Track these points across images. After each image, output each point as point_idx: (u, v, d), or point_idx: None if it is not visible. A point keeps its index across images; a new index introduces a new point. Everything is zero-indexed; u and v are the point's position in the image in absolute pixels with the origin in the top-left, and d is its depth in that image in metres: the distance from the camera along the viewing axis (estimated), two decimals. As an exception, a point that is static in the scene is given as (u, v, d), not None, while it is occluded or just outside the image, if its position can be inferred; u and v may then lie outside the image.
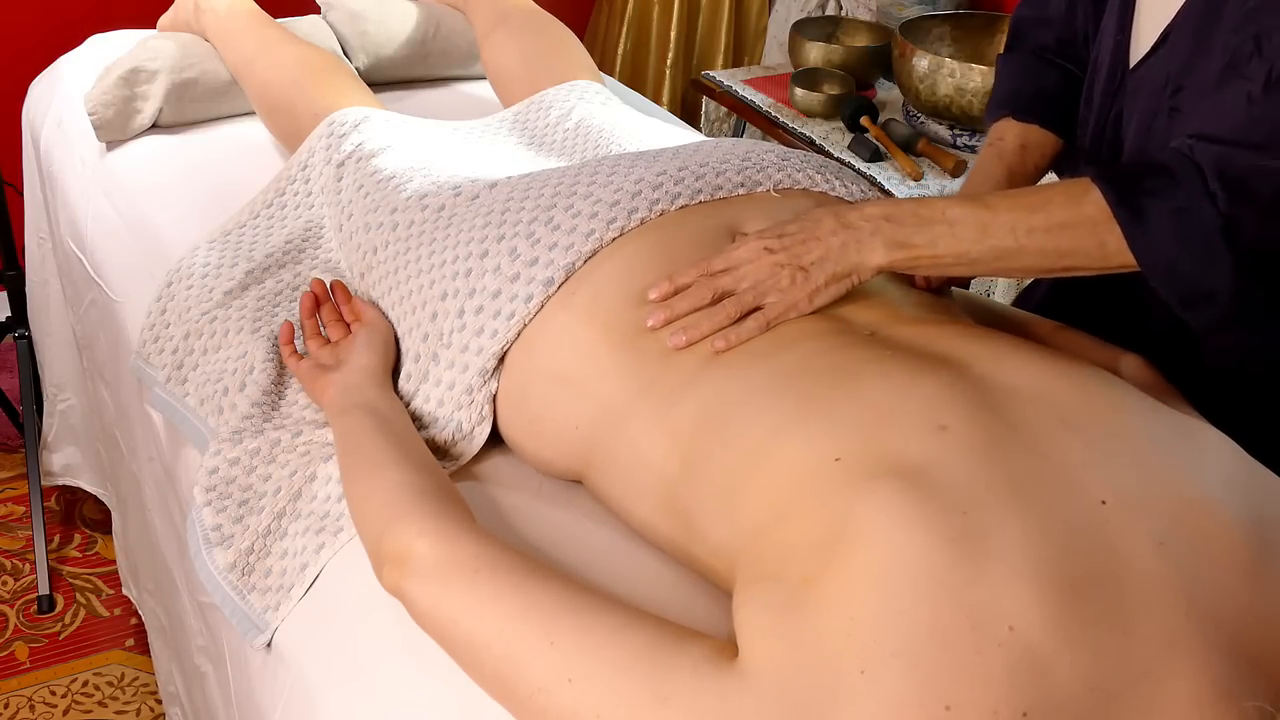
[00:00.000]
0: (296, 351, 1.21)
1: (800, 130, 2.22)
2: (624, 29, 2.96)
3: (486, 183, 1.21)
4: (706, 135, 2.10)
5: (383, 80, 1.91)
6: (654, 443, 0.94)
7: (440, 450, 1.08)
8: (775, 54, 2.94)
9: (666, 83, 3.00)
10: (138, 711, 1.82)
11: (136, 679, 1.88)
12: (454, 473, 1.07)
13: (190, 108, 1.75)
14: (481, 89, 1.96)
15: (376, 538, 0.91)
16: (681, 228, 1.09)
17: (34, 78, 2.01)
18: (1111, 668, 0.68)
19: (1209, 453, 0.83)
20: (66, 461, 2.04)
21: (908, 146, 2.11)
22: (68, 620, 1.98)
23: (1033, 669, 0.67)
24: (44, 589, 2.01)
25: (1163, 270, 0.93)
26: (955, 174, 2.04)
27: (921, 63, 2.08)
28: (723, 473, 0.87)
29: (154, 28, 1.94)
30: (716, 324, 0.97)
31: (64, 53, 1.99)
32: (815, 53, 2.37)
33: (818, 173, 1.21)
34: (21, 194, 2.04)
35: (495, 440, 1.10)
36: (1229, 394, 1.04)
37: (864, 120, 2.15)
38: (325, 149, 1.44)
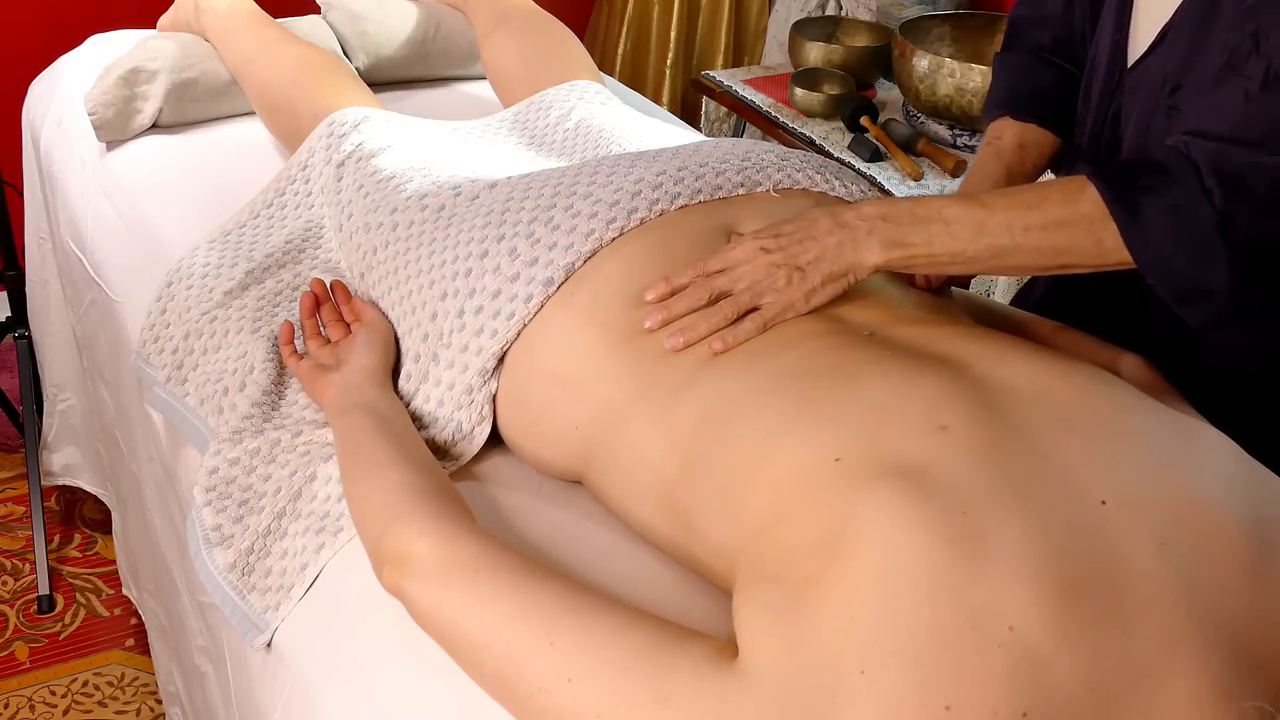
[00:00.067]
0: (296, 351, 1.21)
1: (800, 130, 2.22)
2: (624, 29, 2.96)
3: (486, 183, 1.21)
4: (706, 135, 2.10)
5: (383, 80, 1.91)
6: (653, 443, 0.94)
7: (440, 450, 1.08)
8: (775, 54, 2.94)
9: (666, 83, 3.00)
10: (138, 711, 1.82)
11: (136, 679, 1.88)
12: (454, 473, 1.07)
13: (190, 108, 1.75)
14: (481, 89, 1.96)
15: (376, 538, 0.91)
16: (681, 228, 1.09)
17: (34, 78, 2.01)
18: (1111, 668, 0.68)
19: (1209, 453, 0.83)
20: (66, 461, 2.04)
21: (908, 146, 2.11)
22: (68, 620, 1.98)
23: (1033, 669, 0.67)
24: (44, 589, 2.01)
25: (1159, 267, 0.94)
26: (955, 174, 2.04)
27: (921, 63, 2.08)
28: (723, 473, 0.87)
29: (154, 28, 1.94)
30: (713, 325, 0.97)
31: (64, 53, 1.99)
32: (815, 53, 2.37)
33: (817, 173, 1.21)
34: (21, 194, 2.04)
35: (495, 440, 1.10)
36: (1228, 394, 1.04)
37: (864, 120, 2.16)
38: (325, 149, 1.44)
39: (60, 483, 2.09)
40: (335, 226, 1.37)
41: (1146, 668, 0.69)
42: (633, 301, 1.03)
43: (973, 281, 1.83)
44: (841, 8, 2.74)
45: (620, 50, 2.97)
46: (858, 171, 1.98)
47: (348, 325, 1.22)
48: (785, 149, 1.25)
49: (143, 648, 1.91)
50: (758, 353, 0.95)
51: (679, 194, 1.12)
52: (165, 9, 1.93)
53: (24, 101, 2.00)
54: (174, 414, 1.25)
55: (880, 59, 2.35)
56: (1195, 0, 1.00)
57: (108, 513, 1.90)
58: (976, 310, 1.17)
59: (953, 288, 1.19)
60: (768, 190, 1.17)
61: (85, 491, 2.05)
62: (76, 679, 1.87)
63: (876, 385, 0.86)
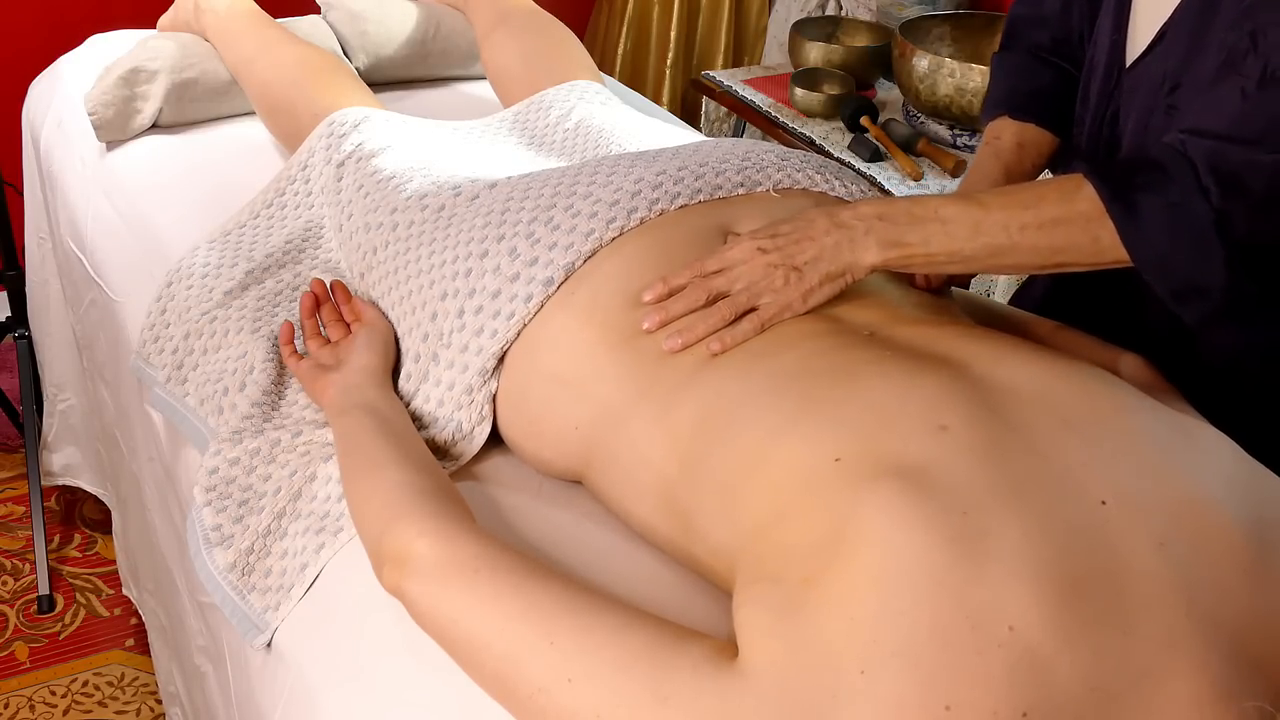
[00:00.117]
0: (296, 351, 1.21)
1: (800, 130, 2.22)
2: (624, 29, 2.96)
3: (486, 183, 1.21)
4: (706, 135, 2.10)
5: (383, 80, 1.91)
6: (653, 443, 0.94)
7: (440, 450, 1.08)
8: (775, 54, 2.94)
9: (666, 83, 3.00)
10: (138, 711, 1.82)
11: (136, 679, 1.88)
12: (454, 473, 1.07)
13: (190, 108, 1.75)
14: (481, 89, 1.96)
15: (376, 538, 0.91)
16: (681, 228, 1.09)
17: (34, 78, 2.01)
18: (1111, 668, 0.68)
19: (1209, 453, 0.83)
20: (66, 461, 2.04)
21: (908, 146, 2.11)
22: (68, 620, 1.98)
23: (1033, 669, 0.67)
24: (44, 589, 2.01)
25: (1155, 265, 0.94)
26: (955, 174, 2.04)
27: (921, 63, 2.08)
28: (723, 473, 0.87)
29: (154, 28, 1.94)
30: (711, 326, 0.97)
31: (64, 53, 1.99)
32: (815, 53, 2.37)
33: (817, 173, 1.21)
34: (21, 194, 2.04)
35: (495, 440, 1.10)
36: (1227, 393, 1.04)
37: (864, 120, 2.16)
38: (325, 149, 1.44)
39: (60, 483, 2.09)
40: (335, 226, 1.38)
41: (1146, 668, 0.69)
42: (632, 301, 1.03)
43: (973, 281, 1.83)
44: (841, 8, 2.74)
45: (620, 50, 2.97)
46: (858, 171, 1.98)
47: (348, 325, 1.22)
48: (785, 149, 1.25)
49: (143, 648, 1.91)
50: (757, 353, 0.95)
51: (679, 194, 1.12)
52: (165, 9, 1.93)
53: (24, 101, 2.00)
54: (174, 414, 1.25)
55: (880, 59, 2.35)
56: (1193, 0, 1.00)
57: (108, 513, 1.90)
58: (976, 310, 1.17)
59: (953, 288, 1.19)
60: (768, 190, 1.17)
61: (85, 491, 2.05)
62: (76, 679, 1.87)
63: (876, 385, 0.86)
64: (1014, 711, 0.66)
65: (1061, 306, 1.20)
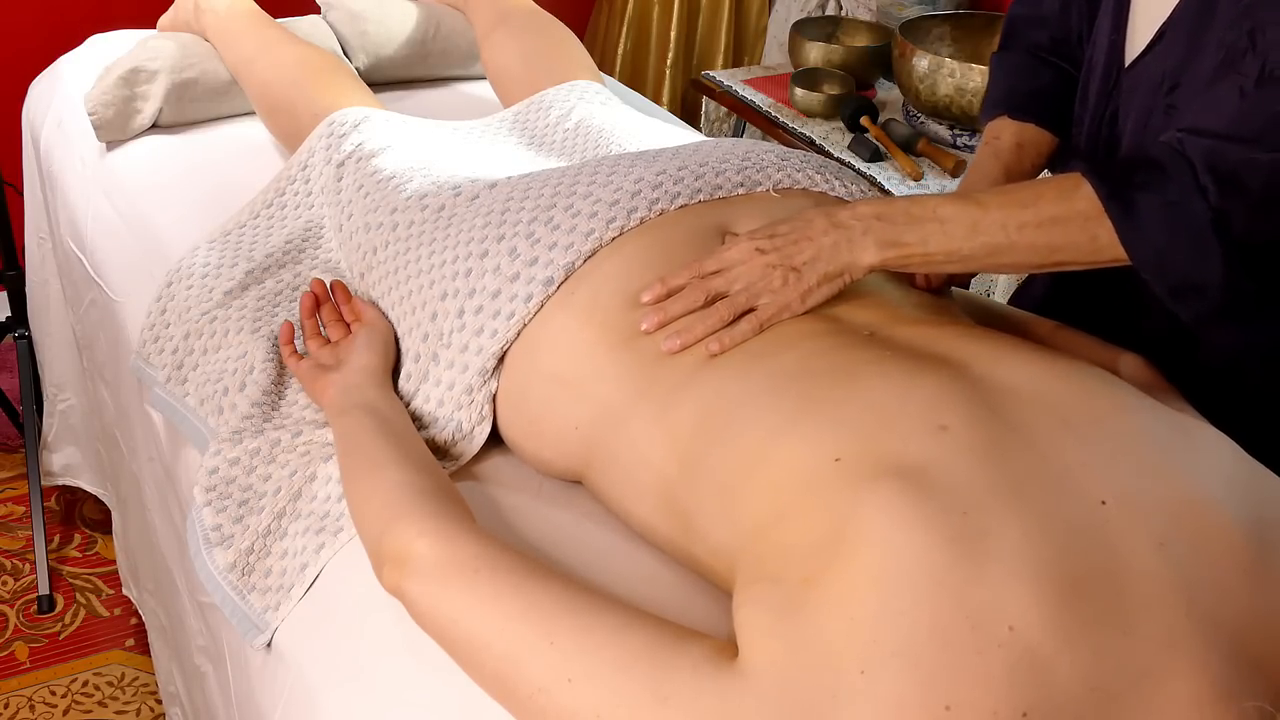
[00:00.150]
0: (296, 351, 1.21)
1: (800, 130, 2.22)
2: (624, 29, 2.96)
3: (486, 183, 1.21)
4: (706, 135, 2.10)
5: (383, 80, 1.91)
6: (653, 443, 0.94)
7: (440, 450, 1.08)
8: (775, 54, 2.94)
9: (666, 83, 3.00)
10: (138, 711, 1.82)
11: (136, 679, 1.88)
12: (454, 473, 1.07)
13: (190, 108, 1.75)
14: (481, 89, 1.96)
15: (376, 538, 0.91)
16: (681, 227, 1.09)
17: (34, 78, 2.01)
18: (1111, 668, 0.68)
19: (1209, 453, 0.83)
20: (66, 461, 2.04)
21: (908, 146, 2.11)
22: (68, 620, 1.98)
23: (1033, 669, 0.67)
24: (44, 589, 2.01)
25: (1153, 263, 0.94)
26: (955, 174, 2.04)
27: (921, 63, 2.08)
28: (722, 473, 0.87)
29: (154, 28, 1.94)
30: (710, 327, 0.97)
31: (64, 53, 1.99)
32: (815, 53, 2.37)
33: (817, 173, 1.21)
34: (21, 194, 2.04)
35: (495, 440, 1.10)
36: (1227, 393, 1.04)
37: (864, 120, 2.16)
38: (325, 149, 1.44)
39: (60, 483, 2.09)
40: (335, 226, 1.38)
41: (1146, 668, 0.69)
42: (632, 301, 1.03)
43: (973, 281, 1.83)
44: (841, 8, 2.74)
45: (620, 50, 2.97)
46: (858, 171, 1.98)
47: (348, 325, 1.22)
48: (785, 149, 1.25)
49: (143, 648, 1.91)
50: (757, 353, 0.95)
51: (679, 194, 1.12)
52: (165, 9, 1.93)
53: (24, 101, 2.00)
54: (174, 414, 1.25)
55: (880, 59, 2.35)
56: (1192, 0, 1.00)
57: (108, 513, 1.90)
58: (976, 310, 1.17)
59: (953, 288, 1.19)
60: (768, 190, 1.17)
61: (85, 491, 2.05)
62: (76, 679, 1.87)
63: (876, 385, 0.86)
64: (1014, 711, 0.66)
65: (1061, 306, 1.20)
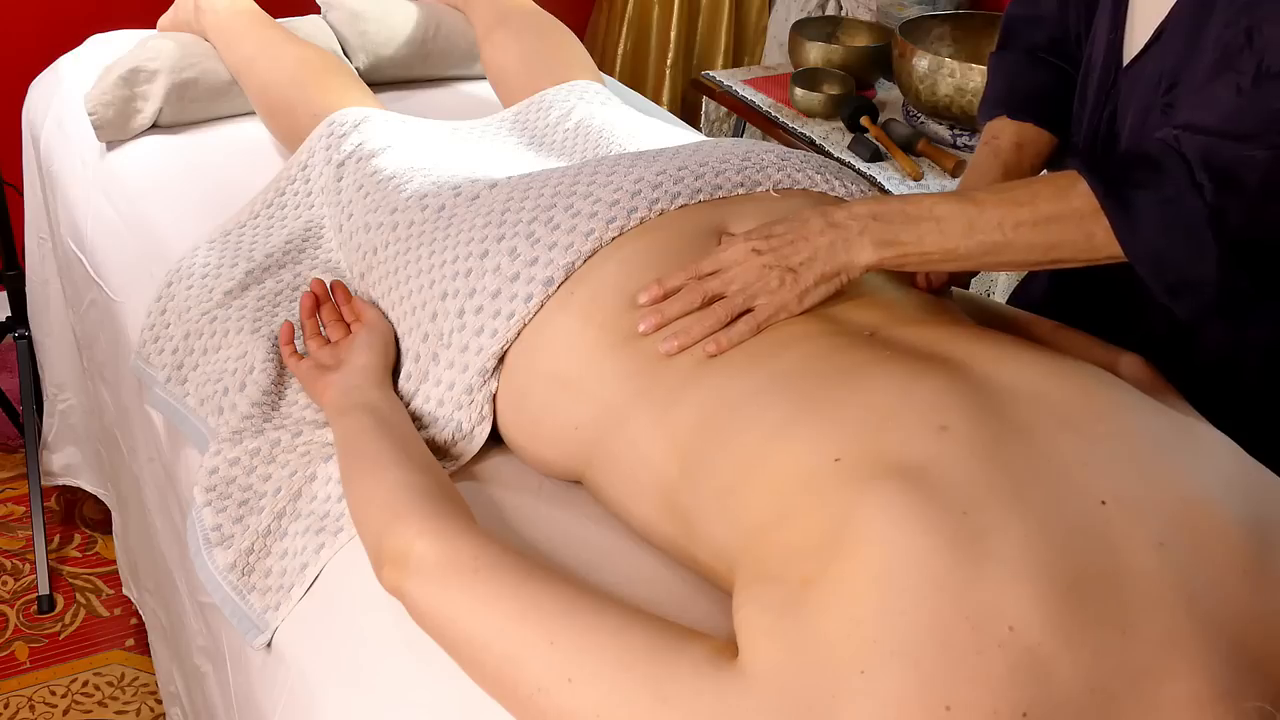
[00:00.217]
0: (297, 351, 1.21)
1: (800, 130, 2.22)
2: (624, 29, 2.96)
3: (486, 183, 1.21)
4: (706, 135, 2.10)
5: (383, 80, 1.91)
6: (653, 443, 0.94)
7: (440, 450, 1.08)
8: (775, 54, 2.94)
9: (666, 83, 3.00)
10: (138, 711, 1.82)
11: (136, 679, 1.88)
12: (454, 473, 1.07)
13: (190, 108, 1.75)
14: (481, 89, 1.96)
15: (376, 538, 0.91)
16: (681, 227, 1.09)
17: (34, 78, 2.01)
18: (1111, 668, 0.68)
19: (1209, 453, 0.83)
20: (66, 461, 2.04)
21: (908, 146, 2.11)
22: (68, 620, 1.98)
23: (1033, 669, 0.67)
24: (44, 589, 2.01)
25: (1149, 261, 0.94)
26: (955, 174, 2.04)
27: (921, 63, 2.08)
28: (723, 473, 0.87)
29: (154, 28, 1.94)
30: (707, 328, 0.97)
31: (64, 53, 1.99)
32: (815, 53, 2.37)
33: (817, 173, 1.21)
34: (21, 194, 2.04)
35: (495, 440, 1.10)
36: (1227, 393, 1.04)
37: (864, 120, 2.16)
38: (325, 149, 1.44)
39: (60, 483, 2.09)
40: (335, 226, 1.38)
41: (1146, 667, 0.69)
42: (632, 301, 1.03)
43: (973, 281, 1.83)
44: (841, 8, 2.74)
45: (620, 50, 2.97)
46: (858, 171, 1.98)
47: (348, 325, 1.22)
48: (785, 149, 1.25)
49: (143, 648, 1.91)
50: (757, 353, 0.95)
51: (679, 194, 1.12)
52: (165, 9, 1.93)
53: (24, 101, 2.00)
54: (174, 414, 1.25)
55: (880, 59, 2.35)
56: None
57: (108, 513, 1.90)
58: (976, 310, 1.17)
59: (953, 288, 1.19)
60: (768, 190, 1.17)
61: (85, 491, 2.05)
62: (76, 679, 1.87)
63: (877, 386, 0.86)
64: (1014, 711, 0.66)
65: (1061, 306, 1.20)
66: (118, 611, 2.00)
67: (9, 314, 2.14)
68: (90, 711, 1.82)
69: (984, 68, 1.99)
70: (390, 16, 1.92)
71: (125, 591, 1.75)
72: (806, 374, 0.91)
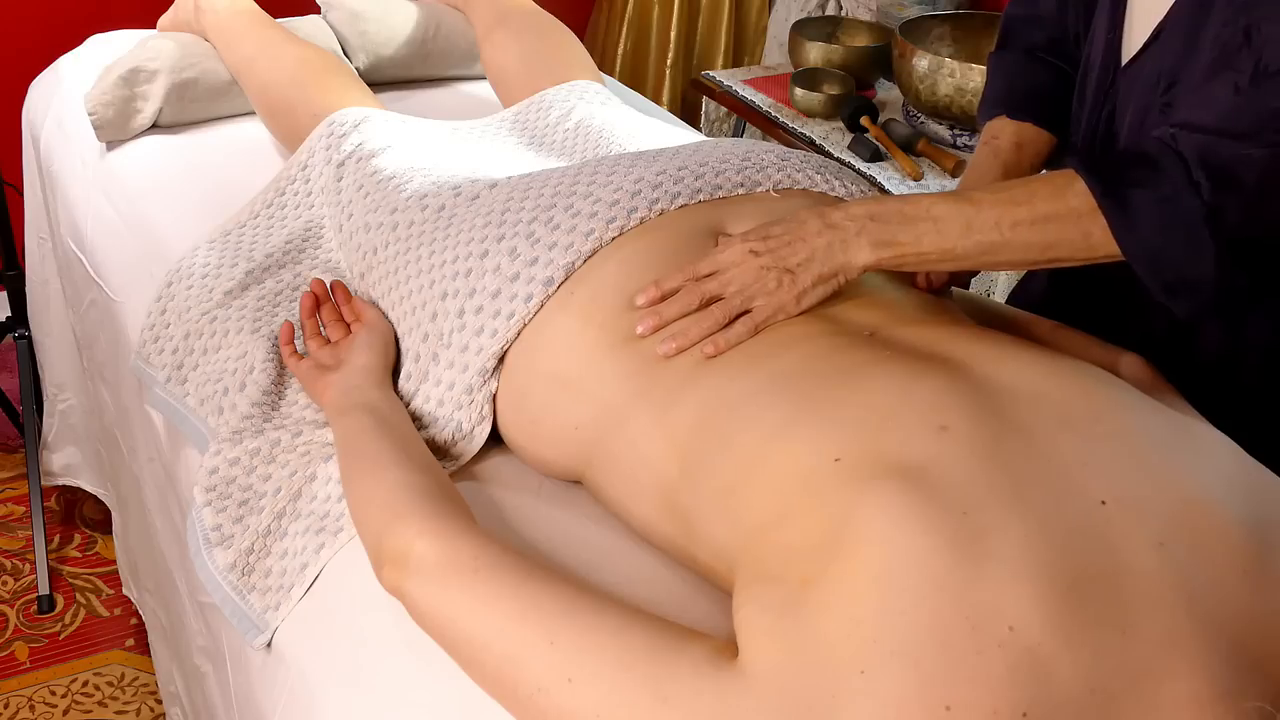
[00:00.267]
0: (297, 351, 1.21)
1: (800, 130, 2.22)
2: (624, 29, 2.96)
3: (486, 183, 1.21)
4: (706, 135, 2.10)
5: (383, 80, 1.91)
6: (653, 443, 0.94)
7: (440, 450, 1.08)
8: (775, 54, 2.94)
9: (666, 83, 3.00)
10: (138, 711, 1.82)
11: (136, 679, 1.88)
12: (454, 473, 1.07)
13: (190, 108, 1.75)
14: (481, 89, 1.96)
15: (376, 538, 0.91)
16: (681, 228, 1.09)
17: (34, 78, 2.01)
18: (1111, 668, 0.68)
19: (1209, 453, 0.83)
20: (66, 461, 2.04)
21: (908, 146, 2.11)
22: (68, 620, 1.98)
23: (1033, 669, 0.67)
24: (44, 589, 2.01)
25: (1147, 259, 0.94)
26: (955, 174, 2.04)
27: (921, 63, 2.08)
28: (723, 473, 0.87)
29: (154, 28, 1.94)
30: (705, 330, 0.97)
31: (64, 53, 1.99)
32: (815, 53, 2.37)
33: (817, 173, 1.21)
34: (21, 194, 2.04)
35: (495, 440, 1.10)
36: (1227, 393, 1.04)
37: (864, 120, 2.16)
38: (325, 149, 1.44)
39: (60, 483, 2.09)
40: (335, 226, 1.38)
41: (1146, 667, 0.69)
42: (632, 302, 1.03)
43: (973, 281, 1.83)
44: (841, 8, 2.74)
45: (620, 50, 2.97)
46: (858, 171, 1.98)
47: (348, 325, 1.22)
48: (785, 149, 1.25)
49: (143, 648, 1.91)
50: (757, 353, 0.95)
51: (679, 194, 1.12)
52: (165, 9, 1.93)
53: (24, 101, 2.00)
54: (174, 414, 1.25)
55: (880, 59, 2.35)
56: None
57: (108, 513, 1.90)
58: (976, 310, 1.17)
59: (953, 288, 1.19)
60: (768, 190, 1.17)
61: (85, 491, 2.05)
62: (76, 679, 1.87)
63: (877, 386, 0.86)
64: (1014, 711, 0.66)
65: (1061, 306, 1.20)
66: (118, 611, 2.00)
67: (9, 314, 2.14)
68: (90, 711, 1.82)
69: (984, 68, 1.99)
70: (390, 16, 1.92)
71: (125, 591, 1.75)
72: (806, 374, 0.91)
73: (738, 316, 0.98)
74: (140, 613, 1.67)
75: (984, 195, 0.98)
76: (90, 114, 1.67)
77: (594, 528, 1.02)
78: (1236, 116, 0.91)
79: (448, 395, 1.08)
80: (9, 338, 2.15)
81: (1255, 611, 0.73)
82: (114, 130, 1.69)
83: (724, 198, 1.14)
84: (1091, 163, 0.96)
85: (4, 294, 2.26)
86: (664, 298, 1.01)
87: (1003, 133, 1.22)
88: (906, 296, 1.06)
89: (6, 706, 1.81)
